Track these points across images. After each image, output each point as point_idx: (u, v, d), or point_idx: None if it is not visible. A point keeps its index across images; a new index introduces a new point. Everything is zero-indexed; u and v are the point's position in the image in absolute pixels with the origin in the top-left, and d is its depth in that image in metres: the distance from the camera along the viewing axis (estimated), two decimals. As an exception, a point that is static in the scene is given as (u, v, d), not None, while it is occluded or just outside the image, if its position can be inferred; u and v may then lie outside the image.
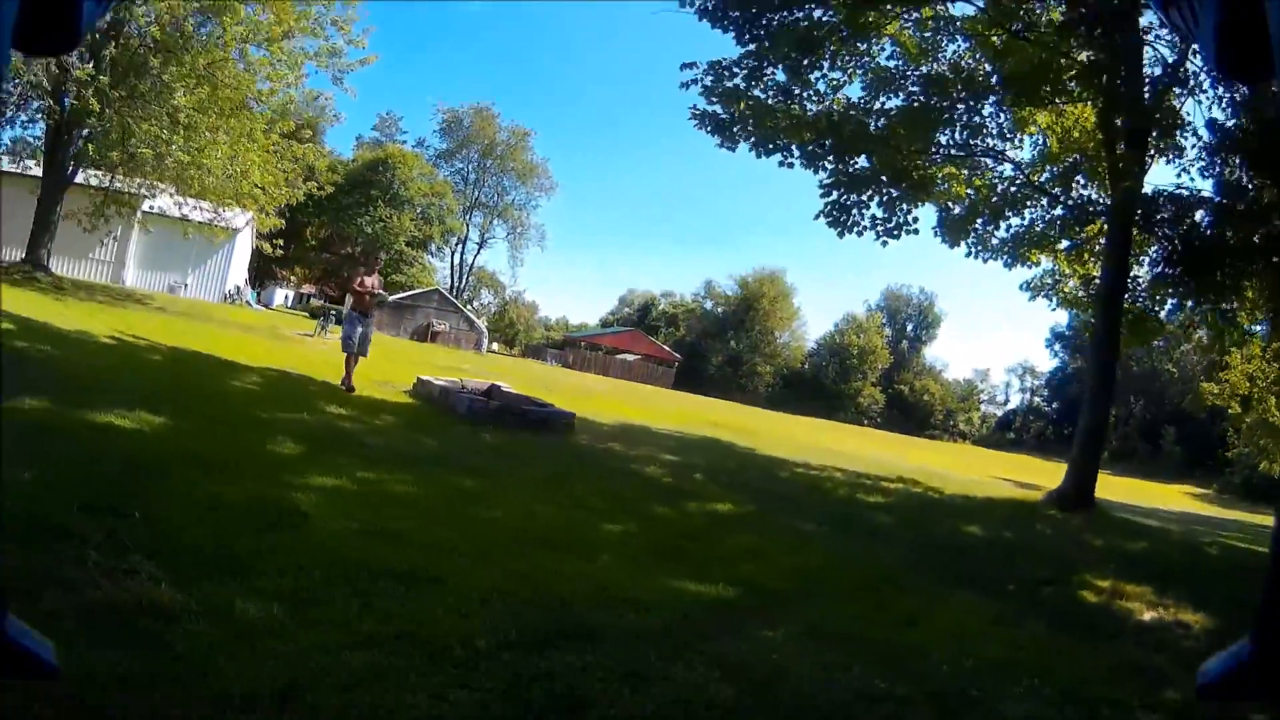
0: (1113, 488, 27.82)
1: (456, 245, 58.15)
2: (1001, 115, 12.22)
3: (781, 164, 12.56)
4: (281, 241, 34.06)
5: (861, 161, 12.53)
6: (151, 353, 11.70)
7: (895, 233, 12.57)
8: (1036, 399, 64.91)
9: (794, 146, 12.36)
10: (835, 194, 12.61)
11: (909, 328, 64.51)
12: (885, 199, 12.62)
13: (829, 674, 4.04)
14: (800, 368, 60.73)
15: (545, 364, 44.03)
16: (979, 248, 13.44)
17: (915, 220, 12.77)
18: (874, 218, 12.76)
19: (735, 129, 12.53)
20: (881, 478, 12.62)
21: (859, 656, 4.40)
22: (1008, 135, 12.60)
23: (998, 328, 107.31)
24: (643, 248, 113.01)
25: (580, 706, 3.02)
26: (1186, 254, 10.29)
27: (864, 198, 12.66)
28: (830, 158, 12.37)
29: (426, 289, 47.44)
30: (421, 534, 4.91)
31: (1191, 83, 10.92)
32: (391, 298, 37.54)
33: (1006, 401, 66.27)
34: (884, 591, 6.14)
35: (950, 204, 13.22)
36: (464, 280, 58.47)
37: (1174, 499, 30.58)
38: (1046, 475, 24.91)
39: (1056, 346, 62.25)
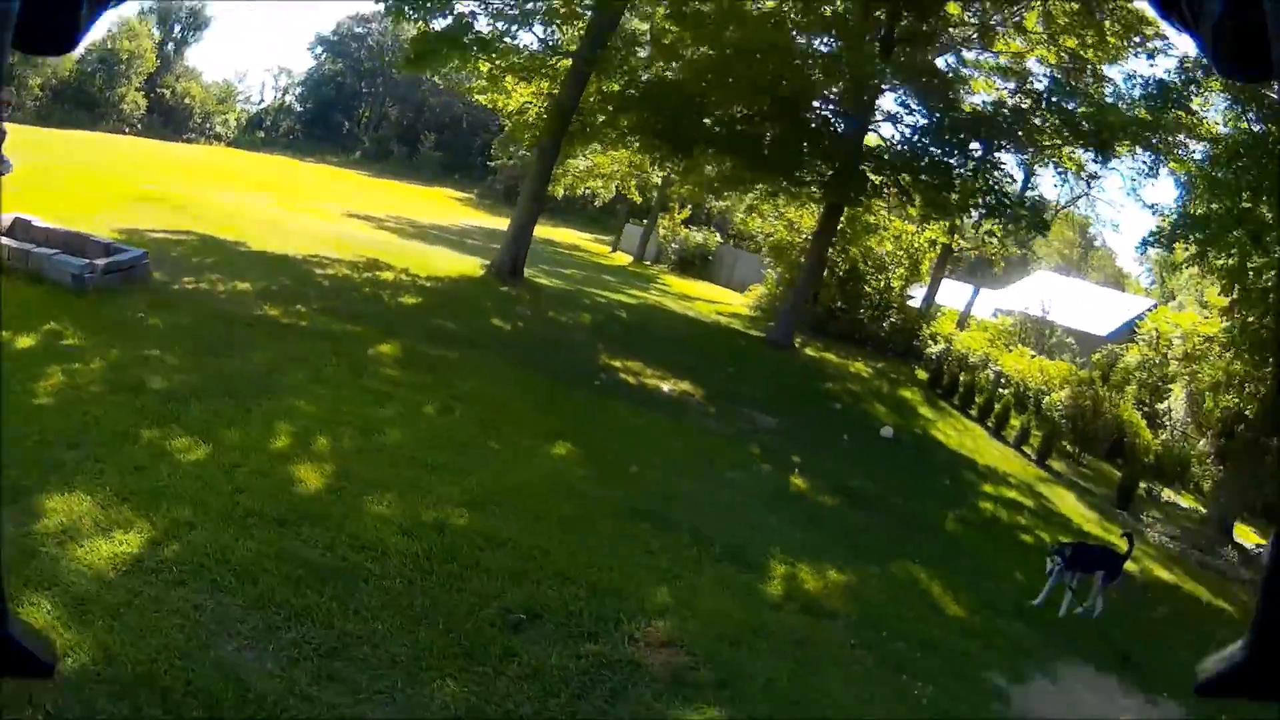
0: (379, 195, 34.40)
1: None
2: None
3: None
4: None
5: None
6: None
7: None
8: (290, 99, 67.71)
9: None
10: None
11: (176, 29, 61.27)
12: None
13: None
14: (68, 78, 53.72)
15: None
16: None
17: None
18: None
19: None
20: (372, 264, 15.38)
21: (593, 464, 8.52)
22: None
23: (263, 30, 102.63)
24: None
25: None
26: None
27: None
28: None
29: None
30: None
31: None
32: None
33: (261, 101, 67.89)
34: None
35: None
36: None
37: (443, 205, 39.13)
38: (349, 194, 30.08)
39: (319, 49, 65.38)
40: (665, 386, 12.19)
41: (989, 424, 17.66)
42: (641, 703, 4.40)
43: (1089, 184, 20.28)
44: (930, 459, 13.57)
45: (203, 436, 6.05)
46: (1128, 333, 26.71)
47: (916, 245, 22.88)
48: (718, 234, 36.38)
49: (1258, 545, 15.67)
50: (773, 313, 22.29)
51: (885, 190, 17.37)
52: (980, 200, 16.42)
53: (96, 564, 4.33)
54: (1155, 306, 26.57)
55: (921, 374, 20.67)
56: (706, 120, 15.93)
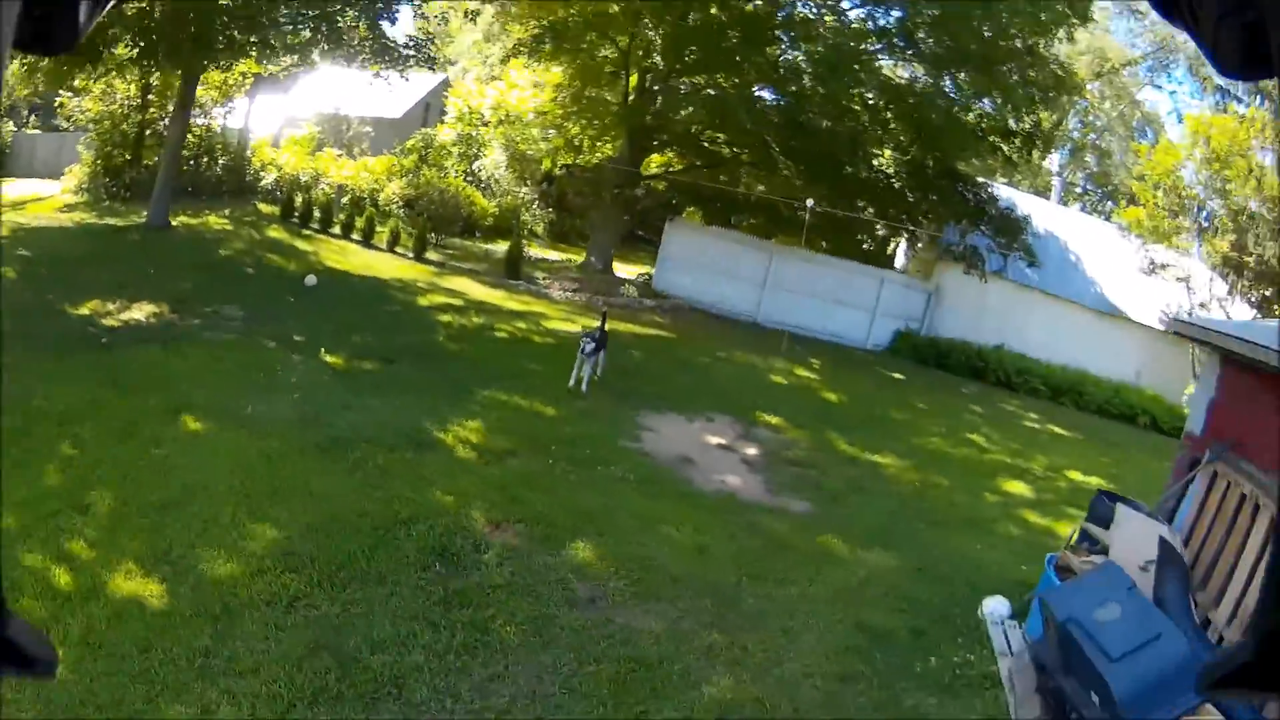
0: None
1: None
2: None
3: None
4: None
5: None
6: None
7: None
8: None
9: None
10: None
11: None
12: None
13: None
14: None
15: None
16: None
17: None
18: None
19: None
20: None
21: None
22: None
23: None
24: None
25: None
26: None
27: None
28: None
29: None
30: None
31: None
32: None
33: None
34: None
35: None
36: None
37: None
38: None
39: None
40: (141, 316, 11.86)
41: (354, 237, 19.55)
42: (553, 568, 6.18)
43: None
44: (359, 291, 15.14)
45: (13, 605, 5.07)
46: (421, 110, 30.04)
47: (231, 81, 22.41)
48: (11, 123, 30.33)
49: (639, 274, 21.21)
50: (99, 191, 21.10)
51: (250, 47, 17.11)
52: (366, 47, 17.42)
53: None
54: (445, 82, 30.08)
55: (266, 208, 21.23)
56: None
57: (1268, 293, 19.58)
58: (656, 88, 19.41)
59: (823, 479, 9.79)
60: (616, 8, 17.30)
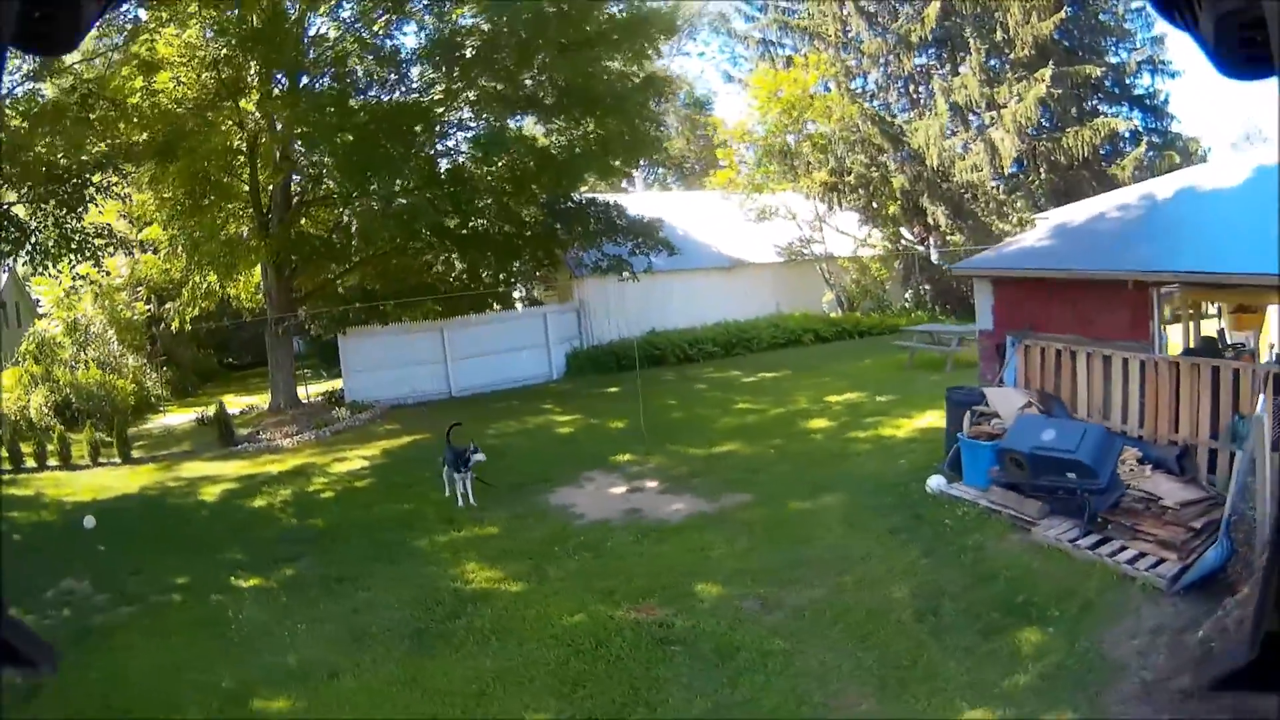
0: None
1: None
2: None
3: None
4: None
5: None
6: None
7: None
8: None
9: None
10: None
11: None
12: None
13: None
14: None
15: None
16: None
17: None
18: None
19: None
20: None
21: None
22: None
23: None
24: None
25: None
26: None
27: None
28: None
29: None
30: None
31: None
32: None
33: None
34: None
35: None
36: None
37: None
38: None
39: None
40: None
41: (51, 463, 18.53)
42: (717, 608, 8.98)
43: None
44: (140, 515, 14.52)
45: None
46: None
47: None
48: None
49: (321, 394, 22.88)
50: None
51: None
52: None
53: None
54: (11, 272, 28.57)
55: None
56: None
57: (864, 194, 26.85)
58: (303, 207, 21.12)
59: (725, 477, 13.23)
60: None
